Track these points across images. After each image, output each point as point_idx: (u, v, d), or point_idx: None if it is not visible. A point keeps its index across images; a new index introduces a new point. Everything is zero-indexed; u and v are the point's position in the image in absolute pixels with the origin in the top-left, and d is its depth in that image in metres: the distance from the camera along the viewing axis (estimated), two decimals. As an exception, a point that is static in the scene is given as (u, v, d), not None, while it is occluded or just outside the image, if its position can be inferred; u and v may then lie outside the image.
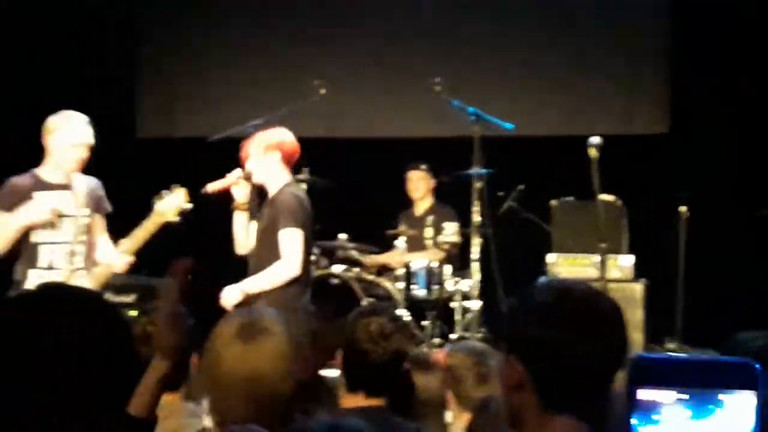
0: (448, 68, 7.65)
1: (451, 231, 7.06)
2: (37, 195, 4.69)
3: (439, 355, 3.39)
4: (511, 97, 8.16)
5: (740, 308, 6.49)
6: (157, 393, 2.01)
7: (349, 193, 7.83)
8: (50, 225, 4.66)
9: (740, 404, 1.60)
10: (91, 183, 4.93)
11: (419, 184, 7.62)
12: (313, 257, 7.09)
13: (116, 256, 4.74)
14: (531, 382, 1.74)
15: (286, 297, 4.82)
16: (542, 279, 5.39)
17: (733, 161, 7.83)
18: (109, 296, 5.17)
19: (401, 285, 6.93)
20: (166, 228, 4.75)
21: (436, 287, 6.88)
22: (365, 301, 6.54)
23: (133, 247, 4.71)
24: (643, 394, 1.60)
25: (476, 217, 6.63)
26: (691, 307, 6.84)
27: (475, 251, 6.65)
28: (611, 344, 1.75)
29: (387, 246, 7.45)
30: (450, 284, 6.90)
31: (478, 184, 6.62)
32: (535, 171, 7.60)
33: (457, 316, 6.78)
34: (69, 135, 4.76)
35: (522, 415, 1.75)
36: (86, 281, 4.67)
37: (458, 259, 7.17)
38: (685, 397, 1.57)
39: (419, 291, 6.89)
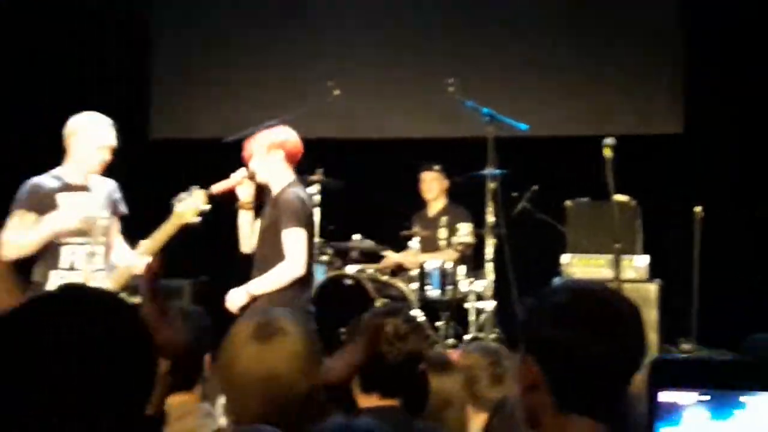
0: (462, 69, 7.64)
1: (465, 232, 7.06)
2: (60, 196, 4.70)
3: (454, 355, 3.39)
4: (525, 97, 8.14)
5: (755, 309, 6.46)
6: (162, 391, 2.01)
7: (363, 193, 7.84)
8: (79, 231, 4.68)
9: (762, 406, 1.58)
10: (109, 185, 4.94)
11: (432, 185, 7.61)
12: (326, 257, 7.13)
13: (133, 258, 4.75)
14: (546, 382, 1.74)
15: (285, 297, 4.83)
16: (558, 279, 5.39)
17: (747, 161, 7.80)
18: (124, 297, 5.18)
19: (415, 285, 6.93)
20: (185, 229, 4.76)
21: (450, 288, 6.88)
22: (379, 302, 6.54)
23: (153, 248, 4.71)
24: (664, 396, 1.59)
25: (490, 218, 6.63)
26: (706, 307, 6.81)
27: (489, 252, 6.65)
28: (627, 345, 1.75)
29: (401, 247, 7.45)
30: (464, 285, 6.90)
31: (492, 185, 6.62)
32: (549, 171, 7.59)
33: (471, 317, 6.78)
34: (93, 137, 4.77)
35: (538, 415, 1.75)
36: (106, 282, 4.68)
37: (472, 259, 7.17)
38: (707, 398, 1.56)
39: (433, 292, 6.89)
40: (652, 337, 6.10)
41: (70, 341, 1.33)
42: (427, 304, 6.79)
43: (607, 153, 5.63)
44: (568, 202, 6.87)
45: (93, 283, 4.57)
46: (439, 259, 7.02)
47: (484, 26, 8.51)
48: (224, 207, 5.06)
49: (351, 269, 6.99)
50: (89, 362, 1.33)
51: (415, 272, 7.03)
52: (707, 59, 7.92)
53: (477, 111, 6.77)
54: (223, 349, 2.36)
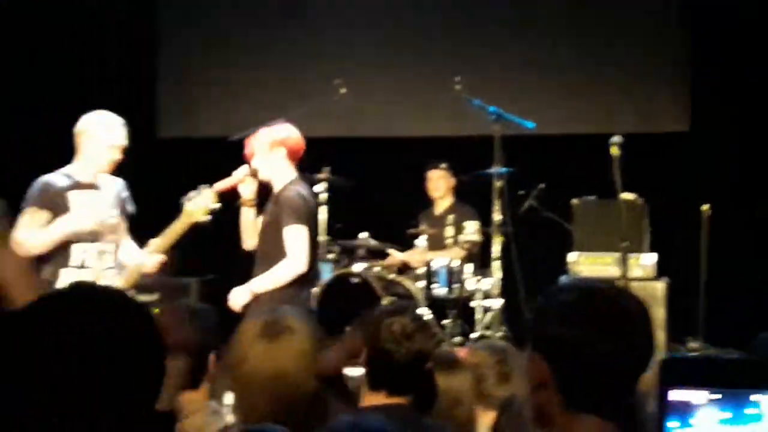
0: (469, 67, 7.64)
1: (471, 230, 7.06)
2: (71, 194, 4.72)
3: (461, 353, 3.39)
4: (531, 95, 8.13)
5: (762, 307, 6.45)
6: (175, 388, 2.02)
7: (370, 192, 7.84)
8: (93, 233, 4.70)
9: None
10: (117, 183, 4.95)
11: (439, 183, 7.61)
12: (332, 256, 7.14)
13: (140, 257, 4.76)
14: (554, 380, 1.74)
15: (286, 295, 4.84)
16: (564, 278, 5.38)
17: (754, 159, 7.79)
18: (134, 295, 5.18)
19: (422, 284, 6.93)
20: (193, 228, 4.77)
21: (456, 286, 6.89)
22: (386, 300, 6.54)
23: (163, 247, 4.72)
24: (675, 395, 1.59)
25: (497, 216, 6.63)
26: (713, 305, 6.80)
27: (496, 250, 6.65)
28: (634, 344, 1.75)
29: (407, 245, 7.46)
30: (471, 283, 6.90)
31: (498, 183, 6.61)
32: (556, 170, 7.59)
33: (478, 315, 6.78)
34: (105, 136, 4.77)
35: (547, 413, 1.75)
36: (117, 281, 4.69)
37: (479, 257, 7.17)
38: (718, 397, 1.56)
39: (440, 290, 6.90)
40: (660, 335, 6.09)
41: (79, 339, 1.33)
42: (434, 303, 6.79)
43: (614, 151, 5.63)
44: (574, 201, 6.87)
45: (103, 281, 4.58)
46: (446, 257, 7.02)
47: (491, 25, 8.51)
48: (231, 205, 5.07)
49: (358, 267, 7.00)
50: (98, 360, 1.33)
51: (421, 270, 7.03)
52: (713, 57, 7.91)
53: (483, 109, 6.77)
54: (231, 348, 2.36)
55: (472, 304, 6.87)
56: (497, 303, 6.69)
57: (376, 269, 7.04)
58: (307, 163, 6.87)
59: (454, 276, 6.90)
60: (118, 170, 4.95)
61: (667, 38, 8.29)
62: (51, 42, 8.23)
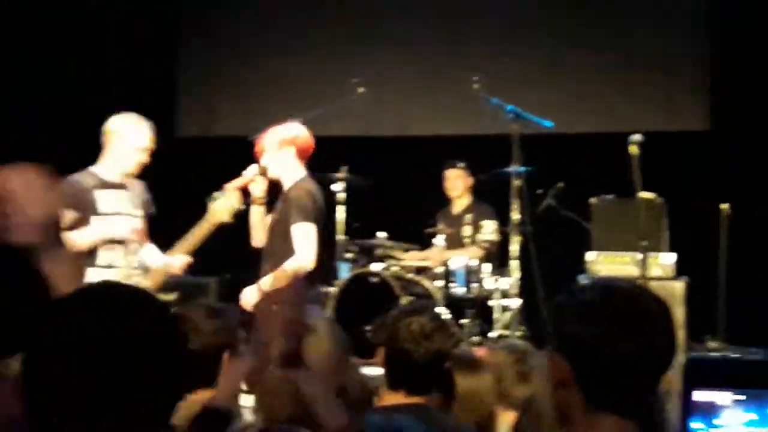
0: (487, 66, 7.63)
1: (489, 229, 7.06)
2: (98, 194, 4.75)
3: (480, 352, 3.39)
4: (549, 94, 8.11)
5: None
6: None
7: (388, 191, 7.84)
8: (125, 242, 4.73)
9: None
10: (140, 185, 4.99)
11: (457, 183, 7.60)
12: (351, 255, 7.14)
13: (169, 257, 4.79)
14: (575, 379, 1.73)
15: (294, 292, 4.85)
16: (583, 277, 5.35)
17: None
18: (159, 295, 5.21)
19: (440, 283, 6.93)
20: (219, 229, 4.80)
21: (475, 285, 6.88)
22: (404, 300, 6.54)
23: (189, 248, 4.75)
24: (699, 396, 1.59)
25: (515, 215, 6.62)
26: (733, 305, 6.76)
27: (515, 249, 6.64)
28: (655, 343, 1.74)
29: (426, 244, 7.45)
30: (489, 282, 6.89)
31: (517, 182, 6.61)
32: (574, 169, 7.56)
33: (497, 315, 6.78)
34: (133, 138, 4.81)
35: (568, 412, 1.74)
36: (143, 281, 4.71)
37: (497, 257, 7.16)
38: (742, 397, 1.55)
39: (458, 289, 6.90)
40: (679, 335, 6.05)
41: (101, 337, 1.34)
42: (452, 302, 6.79)
43: (634, 150, 5.61)
44: (593, 200, 6.84)
45: (130, 281, 4.60)
46: (464, 256, 7.01)
47: (509, 23, 8.49)
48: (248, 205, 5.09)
49: (376, 267, 7.00)
50: (121, 357, 1.34)
51: (440, 270, 7.03)
52: (734, 55, 7.87)
53: (502, 108, 6.77)
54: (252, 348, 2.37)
55: (491, 303, 6.86)
56: (515, 302, 6.69)
57: (395, 269, 7.04)
58: (325, 163, 6.91)
59: (472, 275, 6.90)
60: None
61: (687, 36, 8.25)
62: (68, 42, 8.26)
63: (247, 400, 3.12)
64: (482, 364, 3.11)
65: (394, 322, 2.94)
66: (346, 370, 2.25)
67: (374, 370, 3.05)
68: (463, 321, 6.81)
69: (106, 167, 4.83)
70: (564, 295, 1.83)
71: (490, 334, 6.69)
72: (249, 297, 4.89)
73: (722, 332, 6.65)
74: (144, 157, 4.85)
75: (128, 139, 4.80)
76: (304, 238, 4.90)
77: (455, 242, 7.28)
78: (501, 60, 8.28)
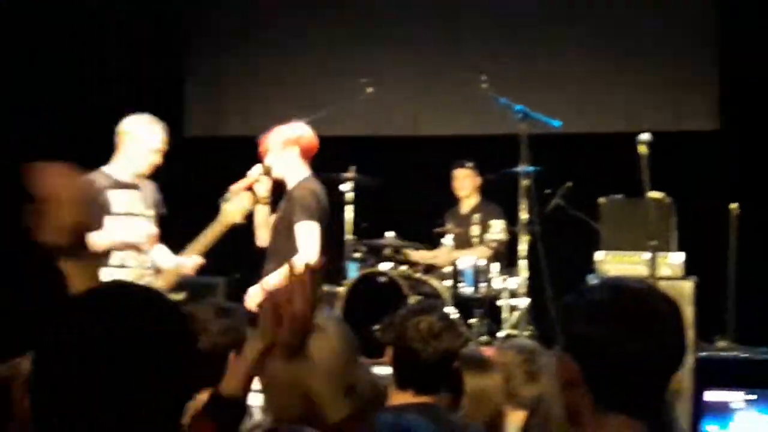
0: (495, 66, 7.63)
1: (498, 229, 7.05)
2: (111, 193, 4.76)
3: (488, 352, 3.39)
4: (558, 93, 8.10)
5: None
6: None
7: (396, 191, 7.84)
8: (139, 248, 4.74)
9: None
10: (151, 185, 5.00)
11: (465, 182, 7.60)
12: (359, 255, 7.14)
13: (182, 258, 4.79)
14: (584, 379, 1.73)
15: None
16: (591, 277, 5.33)
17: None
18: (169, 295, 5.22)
19: (449, 283, 6.92)
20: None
21: (483, 285, 6.88)
22: (412, 299, 6.54)
23: (201, 249, 4.76)
24: (710, 396, 1.58)
25: (524, 215, 6.61)
26: (742, 304, 6.75)
27: (523, 249, 6.64)
28: (664, 343, 1.73)
29: (434, 244, 7.45)
30: (497, 282, 6.89)
31: (525, 182, 6.61)
32: (583, 168, 7.55)
33: (505, 314, 6.77)
34: (147, 139, 4.83)
35: (577, 412, 1.74)
36: (155, 281, 4.72)
37: (506, 256, 7.15)
38: (753, 397, 1.55)
39: (467, 289, 6.89)
40: (688, 334, 6.04)
41: (113, 336, 1.35)
42: (460, 302, 6.78)
43: (642, 149, 5.60)
44: (601, 199, 6.82)
45: (142, 281, 4.61)
46: (473, 256, 7.01)
47: (517, 23, 8.49)
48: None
49: (384, 266, 7.00)
50: (132, 357, 1.34)
51: (448, 269, 7.02)
52: (742, 55, 7.85)
53: (510, 108, 6.76)
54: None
55: (499, 303, 6.86)
56: (524, 302, 6.68)
57: (403, 268, 7.03)
58: (333, 163, 6.91)
59: (480, 275, 6.89)
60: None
61: (696, 36, 8.24)
62: (75, 43, 8.26)
63: (256, 399, 3.12)
64: (491, 363, 3.11)
65: (403, 321, 2.94)
66: (355, 370, 2.25)
67: (383, 370, 3.05)
68: (472, 320, 6.80)
69: (118, 167, 4.85)
70: (573, 295, 1.82)
71: (499, 334, 6.69)
72: (253, 297, 4.89)
73: (731, 332, 6.64)
74: (157, 159, 4.86)
75: (142, 140, 4.82)
76: (308, 236, 4.91)
77: (463, 242, 7.28)
78: (509, 60, 8.27)
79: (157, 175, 5.09)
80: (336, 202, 6.92)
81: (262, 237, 5.19)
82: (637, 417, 1.71)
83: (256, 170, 5.09)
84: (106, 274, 4.66)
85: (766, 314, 6.51)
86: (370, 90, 7.12)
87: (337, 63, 8.58)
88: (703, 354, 5.68)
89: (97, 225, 4.67)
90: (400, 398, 2.85)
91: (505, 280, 6.87)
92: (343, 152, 7.37)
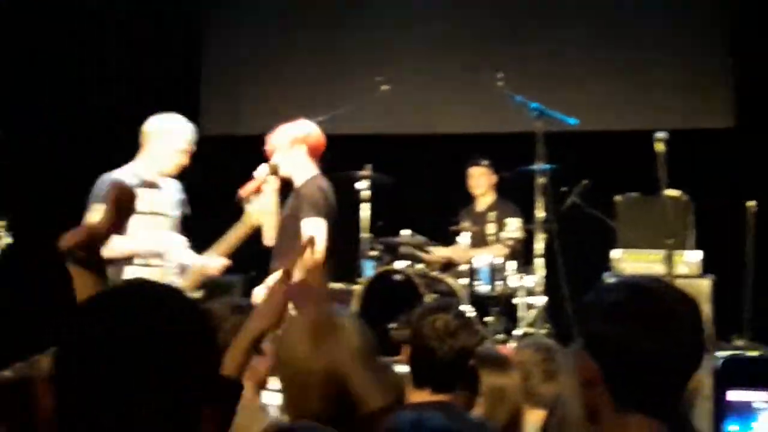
0: (511, 63, 7.62)
1: (513, 227, 7.05)
2: (137, 192, 4.76)
3: (504, 350, 3.38)
4: (574, 91, 8.09)
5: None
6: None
7: (412, 189, 7.84)
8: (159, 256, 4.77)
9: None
10: (176, 185, 5.00)
11: (480, 180, 7.59)
12: (375, 253, 7.14)
13: (207, 259, 4.81)
14: (603, 378, 1.73)
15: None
16: (608, 275, 5.30)
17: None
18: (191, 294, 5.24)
19: (465, 281, 6.92)
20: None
21: (499, 283, 6.87)
22: (428, 298, 6.54)
23: (226, 249, 4.77)
24: (734, 395, 1.57)
25: (540, 213, 6.61)
26: (759, 303, 6.72)
27: (539, 247, 6.63)
28: (682, 342, 1.72)
29: (450, 242, 7.45)
30: (514, 280, 6.88)
31: (541, 180, 6.60)
32: (599, 166, 7.53)
33: (521, 312, 6.76)
34: (176, 140, 4.83)
35: (596, 411, 1.74)
36: (179, 280, 4.73)
37: (522, 255, 7.14)
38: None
39: (483, 287, 6.89)
40: (708, 333, 6.01)
41: (135, 334, 1.35)
42: (476, 300, 6.77)
43: (659, 147, 5.59)
44: (618, 197, 6.81)
45: (167, 280, 4.61)
46: (489, 254, 7.00)
47: (533, 21, 8.47)
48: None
49: (400, 265, 6.99)
50: (153, 355, 1.35)
51: (464, 268, 7.02)
52: (759, 52, 7.82)
53: (526, 105, 6.75)
54: (280, 346, 2.37)
55: (515, 301, 6.85)
56: (540, 300, 6.67)
57: (419, 266, 7.03)
58: (349, 161, 6.91)
59: (496, 273, 6.89)
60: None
61: (712, 33, 8.21)
62: (100, 40, 8.30)
63: (272, 398, 3.13)
64: (510, 362, 3.11)
65: (419, 319, 2.94)
66: (373, 368, 2.25)
67: (399, 368, 3.06)
68: (488, 319, 6.80)
69: (144, 166, 4.84)
70: (591, 294, 1.82)
71: (515, 332, 6.68)
72: (260, 296, 4.90)
73: (748, 330, 6.62)
74: (183, 159, 4.86)
75: (170, 140, 4.81)
76: (315, 233, 4.91)
77: (479, 240, 7.28)
78: (525, 58, 8.26)
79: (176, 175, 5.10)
80: (352, 200, 6.93)
81: (270, 236, 5.20)
82: (655, 416, 1.71)
83: (262, 171, 5.09)
84: (130, 273, 4.68)
85: (784, 312, 6.48)
86: (385, 88, 7.12)
87: (352, 61, 8.59)
88: (727, 353, 5.67)
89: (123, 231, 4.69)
90: (416, 397, 2.85)
91: (521, 278, 6.86)
92: (358, 150, 7.38)
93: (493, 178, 7.59)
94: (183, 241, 4.89)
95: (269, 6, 9.01)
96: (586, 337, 1.78)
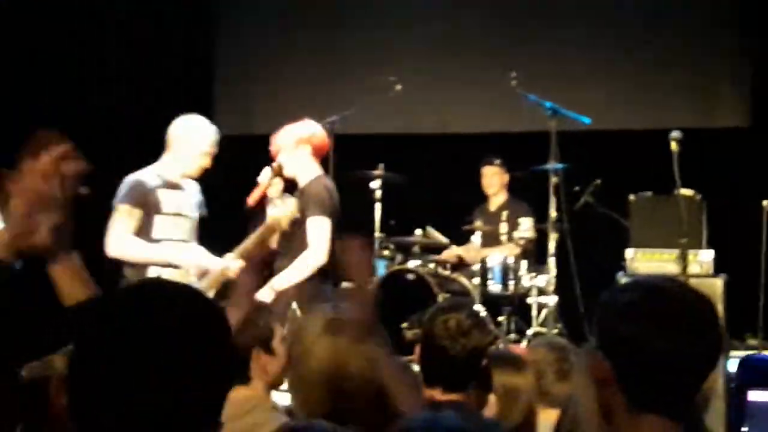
0: (524, 63, 7.60)
1: (526, 226, 7.04)
2: (161, 193, 4.77)
3: (517, 350, 3.38)
4: (587, 90, 8.07)
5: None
6: None
7: (424, 188, 7.83)
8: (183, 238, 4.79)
9: None
10: (195, 186, 5.01)
11: (493, 180, 7.59)
12: (387, 252, 7.14)
13: (227, 261, 4.81)
14: (617, 378, 1.72)
15: (310, 287, 4.87)
16: (621, 274, 5.28)
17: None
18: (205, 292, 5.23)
19: (477, 280, 6.92)
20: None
21: (512, 283, 6.86)
22: (441, 297, 6.54)
23: (247, 253, 4.78)
24: (754, 396, 1.56)
25: (553, 213, 6.60)
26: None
27: (552, 247, 6.62)
28: (697, 342, 1.72)
29: (462, 241, 7.44)
30: (526, 280, 6.87)
31: (554, 179, 6.59)
32: (612, 165, 7.51)
33: (534, 312, 6.75)
34: (201, 142, 4.84)
35: (610, 411, 1.73)
36: (199, 282, 4.72)
37: (534, 254, 7.14)
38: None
39: (495, 286, 6.88)
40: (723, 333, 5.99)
41: (152, 332, 1.35)
42: (489, 299, 6.76)
43: (674, 146, 5.57)
44: (631, 196, 6.79)
45: (187, 281, 4.62)
46: (501, 253, 7.00)
47: (547, 20, 8.46)
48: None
49: (413, 264, 7.00)
50: (170, 353, 1.35)
51: (476, 267, 7.01)
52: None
53: (540, 105, 6.74)
54: (293, 346, 2.37)
55: (528, 300, 6.84)
56: (552, 300, 6.66)
57: (431, 266, 7.03)
58: (362, 160, 6.92)
59: (509, 273, 6.88)
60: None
61: (727, 32, 8.18)
62: (115, 41, 8.31)
63: (282, 398, 3.13)
64: (523, 362, 3.10)
65: (431, 319, 2.94)
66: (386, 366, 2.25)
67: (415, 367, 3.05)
68: (500, 318, 6.79)
69: (167, 167, 4.85)
70: (606, 294, 1.81)
71: (528, 332, 6.67)
72: (263, 297, 4.89)
73: (762, 330, 6.60)
74: (206, 161, 4.88)
75: (195, 142, 4.83)
76: (319, 231, 4.93)
77: (492, 239, 7.27)
78: (539, 57, 8.24)
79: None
80: (364, 199, 6.94)
81: (274, 238, 5.21)
82: (669, 417, 1.70)
83: (265, 175, 5.10)
84: (152, 272, 4.69)
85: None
86: (398, 87, 7.12)
87: (365, 61, 8.59)
88: (740, 353, 5.65)
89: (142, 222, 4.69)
90: (428, 395, 2.85)
91: (533, 277, 6.85)
92: (371, 150, 7.38)
93: (506, 178, 7.58)
94: (202, 251, 4.89)
95: (282, 6, 9.01)
96: (600, 337, 1.77)
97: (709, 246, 6.52)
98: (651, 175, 6.33)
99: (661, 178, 5.93)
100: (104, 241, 4.70)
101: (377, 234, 7.17)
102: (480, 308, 3.05)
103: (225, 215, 5.00)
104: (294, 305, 4.73)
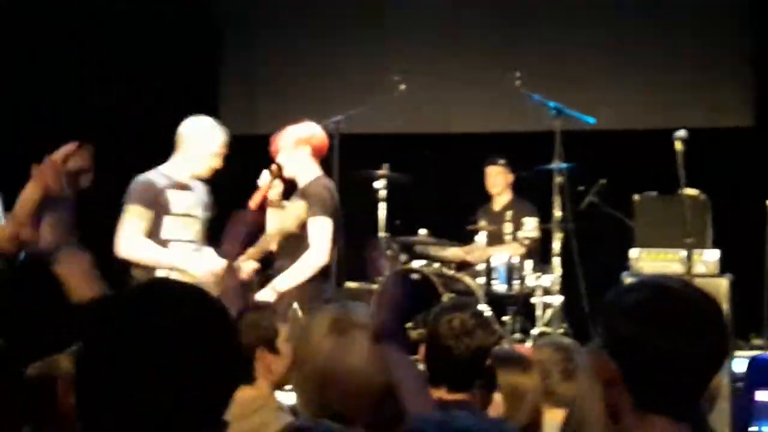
0: (529, 62, 7.61)
1: (530, 226, 7.04)
2: (170, 193, 4.78)
3: (522, 350, 3.37)
4: (592, 90, 8.07)
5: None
6: None
7: (429, 188, 7.83)
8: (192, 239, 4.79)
9: None
10: (204, 187, 5.02)
11: (497, 179, 7.59)
12: (391, 252, 7.14)
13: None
14: (623, 379, 1.72)
15: (312, 288, 4.88)
16: (626, 274, 5.28)
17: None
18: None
19: (482, 280, 6.92)
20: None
21: (516, 282, 6.86)
22: (445, 297, 6.53)
23: (257, 254, 4.79)
24: (762, 396, 1.56)
25: (557, 212, 6.59)
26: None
27: (557, 246, 6.62)
28: (703, 343, 1.71)
29: (467, 241, 7.44)
30: (531, 279, 6.87)
31: (558, 179, 6.58)
32: (617, 165, 7.51)
33: (538, 312, 6.75)
34: (211, 143, 4.86)
35: (617, 412, 1.73)
36: (209, 283, 4.72)
37: (539, 254, 7.14)
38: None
39: (500, 286, 6.88)
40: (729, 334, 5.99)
41: (158, 332, 1.36)
42: (493, 299, 6.76)
43: (679, 146, 5.57)
44: (636, 196, 6.79)
45: (197, 281, 4.62)
46: (506, 253, 7.00)
47: (551, 19, 8.45)
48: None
49: (417, 264, 7.00)
50: (177, 353, 1.36)
51: (481, 267, 7.01)
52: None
53: (544, 104, 6.74)
54: (299, 346, 2.37)
55: (532, 300, 6.84)
56: (557, 300, 6.66)
57: (436, 266, 7.03)
58: (366, 160, 6.91)
59: (513, 272, 6.88)
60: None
61: (732, 31, 8.17)
62: (122, 43, 8.32)
63: (286, 398, 3.13)
64: (529, 362, 3.10)
65: (435, 318, 2.94)
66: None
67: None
68: (505, 318, 6.79)
69: (176, 167, 4.86)
70: (612, 294, 1.81)
71: (532, 332, 6.67)
72: (265, 298, 4.90)
73: (767, 329, 6.59)
74: (216, 162, 4.89)
75: (206, 143, 4.84)
76: (321, 231, 4.94)
77: (496, 239, 7.27)
78: (543, 56, 8.24)
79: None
80: (369, 199, 6.94)
81: (275, 240, 5.22)
82: (675, 417, 1.70)
83: (265, 177, 5.11)
84: (162, 273, 4.69)
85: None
86: (402, 87, 7.12)
87: (369, 60, 8.59)
88: (746, 353, 5.65)
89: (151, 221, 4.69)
90: (433, 395, 2.85)
91: (538, 277, 6.85)
92: (375, 149, 7.38)
93: (510, 177, 7.58)
94: (211, 253, 4.89)
95: (287, 6, 9.01)
96: (606, 337, 1.77)
97: (714, 246, 6.52)
98: (656, 175, 6.32)
99: (665, 178, 5.92)
100: (113, 241, 4.71)
101: (382, 234, 7.16)
102: (484, 308, 3.06)
103: (229, 215, 5.00)
104: (295, 305, 4.74)
